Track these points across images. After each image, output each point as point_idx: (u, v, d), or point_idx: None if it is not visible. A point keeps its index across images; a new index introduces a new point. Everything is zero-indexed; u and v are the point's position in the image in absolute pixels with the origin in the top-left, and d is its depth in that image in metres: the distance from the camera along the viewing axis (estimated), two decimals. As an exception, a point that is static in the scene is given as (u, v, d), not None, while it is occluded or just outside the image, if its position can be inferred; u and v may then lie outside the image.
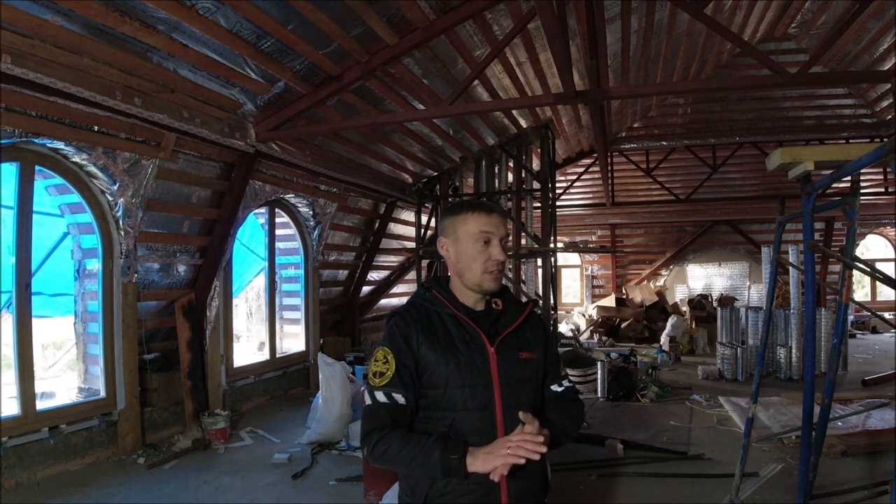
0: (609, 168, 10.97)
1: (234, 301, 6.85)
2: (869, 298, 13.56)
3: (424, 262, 9.60)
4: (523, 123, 8.31)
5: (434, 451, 1.39)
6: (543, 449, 1.34)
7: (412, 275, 10.45)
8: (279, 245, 7.36)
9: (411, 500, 1.54)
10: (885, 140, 2.20)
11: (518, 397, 1.51)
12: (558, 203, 10.91)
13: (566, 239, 13.84)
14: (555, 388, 1.63)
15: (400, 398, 1.48)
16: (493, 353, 1.51)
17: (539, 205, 9.07)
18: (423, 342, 1.51)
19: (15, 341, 4.12)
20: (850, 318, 11.78)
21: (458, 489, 1.46)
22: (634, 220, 13.43)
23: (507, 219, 1.61)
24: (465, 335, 1.52)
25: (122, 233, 4.69)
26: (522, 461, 1.33)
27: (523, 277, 9.38)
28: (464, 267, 1.55)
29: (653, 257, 14.04)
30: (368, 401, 1.51)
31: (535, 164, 9.56)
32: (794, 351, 7.42)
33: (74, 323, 4.89)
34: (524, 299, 1.66)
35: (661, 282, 13.85)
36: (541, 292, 9.07)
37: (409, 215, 9.82)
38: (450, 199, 9.30)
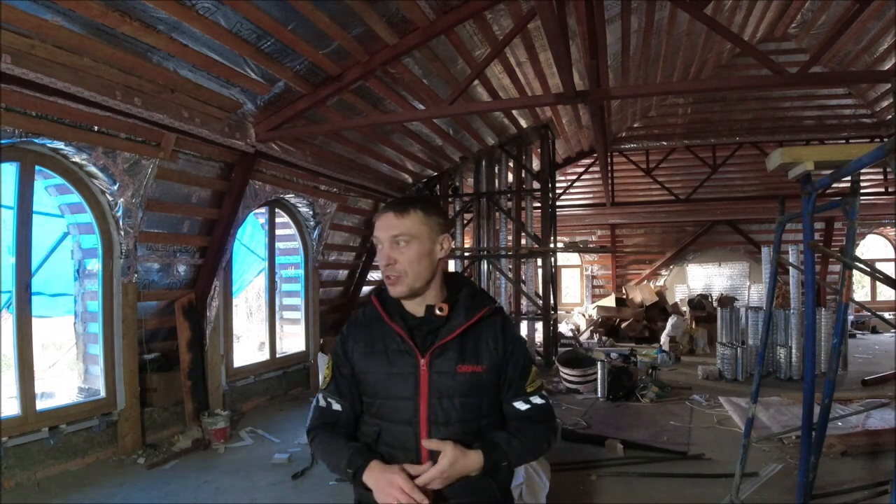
0: (609, 168, 10.98)
1: (234, 301, 6.85)
2: (869, 298, 13.55)
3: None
4: (523, 123, 8.31)
5: (342, 459, 1.42)
6: (405, 501, 1.28)
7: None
8: (279, 245, 7.36)
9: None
10: (885, 140, 2.20)
11: (449, 414, 1.41)
12: (558, 203, 10.91)
13: (566, 239, 13.85)
14: (518, 405, 1.48)
15: (335, 404, 1.52)
16: (425, 365, 1.42)
17: (539, 205, 9.07)
18: (357, 349, 1.49)
19: (15, 341, 4.12)
20: (850, 318, 11.78)
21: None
22: (634, 220, 13.44)
23: (413, 214, 1.45)
24: (400, 345, 1.45)
25: (122, 233, 4.69)
26: None
27: (523, 277, 9.38)
28: None
29: (653, 257, 14.04)
30: (314, 401, 1.59)
31: (535, 164, 9.56)
32: (794, 351, 7.41)
33: (74, 323, 4.89)
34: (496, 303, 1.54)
35: (661, 282, 13.86)
36: (541, 292, 9.07)
37: (408, 215, 9.80)
38: (450, 199, 9.31)
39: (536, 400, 1.50)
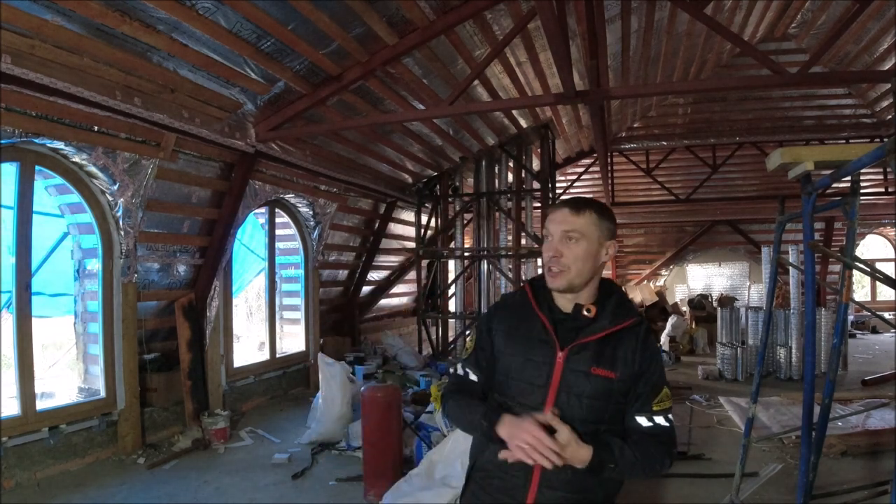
0: (609, 168, 10.97)
1: (234, 301, 6.85)
2: (869, 298, 13.56)
3: (424, 263, 9.61)
4: (523, 123, 8.31)
5: (477, 413, 1.47)
6: (555, 461, 1.30)
7: (412, 275, 10.45)
8: (279, 245, 7.36)
9: (469, 465, 1.64)
10: (885, 140, 2.20)
11: (573, 411, 1.43)
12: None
13: (566, 239, 13.83)
14: (641, 420, 1.47)
15: (472, 375, 1.61)
16: (561, 359, 1.46)
17: (539, 205, 9.07)
18: (500, 330, 1.57)
19: (15, 341, 4.12)
20: (850, 318, 11.78)
21: (494, 470, 1.50)
22: (634, 220, 13.43)
23: (587, 215, 1.50)
24: (543, 335, 1.50)
25: (122, 233, 4.69)
26: (530, 461, 1.32)
27: (523, 277, 9.38)
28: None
29: (653, 257, 14.03)
30: (452, 369, 1.72)
31: (535, 164, 9.56)
32: (794, 351, 7.41)
33: (74, 323, 4.89)
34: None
35: (661, 282, 13.86)
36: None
37: (409, 215, 9.81)
38: (450, 199, 9.31)
39: (660, 420, 1.48)
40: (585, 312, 1.50)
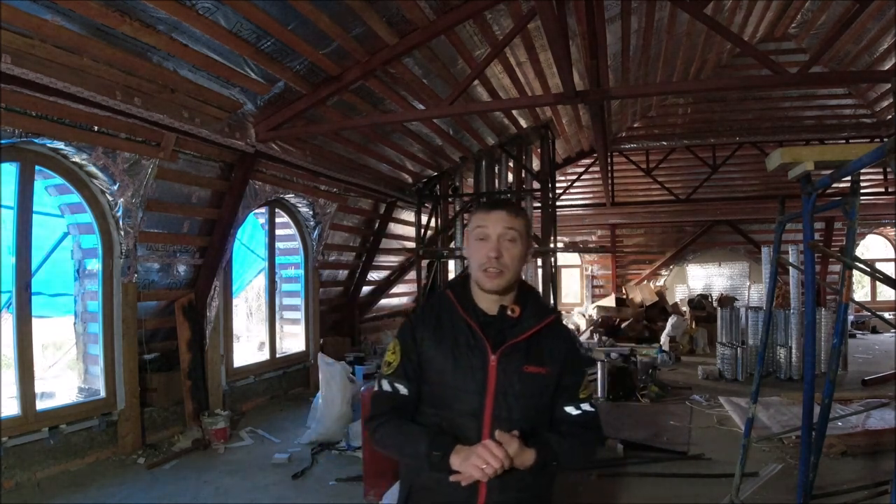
0: (609, 168, 10.97)
1: (234, 301, 6.85)
2: (869, 298, 13.55)
3: (424, 263, 9.60)
4: (523, 123, 8.31)
5: (421, 444, 1.42)
6: (496, 465, 1.32)
7: (412, 275, 10.45)
8: (279, 245, 7.36)
9: (401, 497, 1.58)
10: (885, 140, 2.20)
11: (512, 411, 1.46)
12: (558, 203, 10.90)
13: (566, 239, 13.84)
14: (569, 409, 1.54)
15: (402, 388, 1.53)
16: (494, 362, 1.47)
17: (539, 205, 9.07)
18: (427, 337, 1.53)
19: (15, 341, 4.12)
20: (850, 318, 11.78)
21: (437, 487, 1.46)
22: (634, 220, 13.43)
23: (517, 214, 1.54)
24: (471, 339, 1.49)
25: (122, 233, 4.69)
26: (484, 478, 1.34)
27: (523, 277, 9.36)
28: (470, 265, 1.55)
29: (653, 257, 14.03)
30: (376, 387, 1.58)
31: (535, 164, 9.56)
32: (794, 351, 7.41)
33: (74, 323, 4.89)
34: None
35: (661, 282, 13.85)
36: (541, 292, 9.07)
37: (409, 215, 9.81)
38: (450, 199, 9.31)
39: (587, 407, 1.55)
40: (510, 313, 1.52)
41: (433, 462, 1.40)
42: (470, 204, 9.32)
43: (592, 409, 1.56)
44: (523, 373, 1.47)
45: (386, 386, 1.55)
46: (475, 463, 1.33)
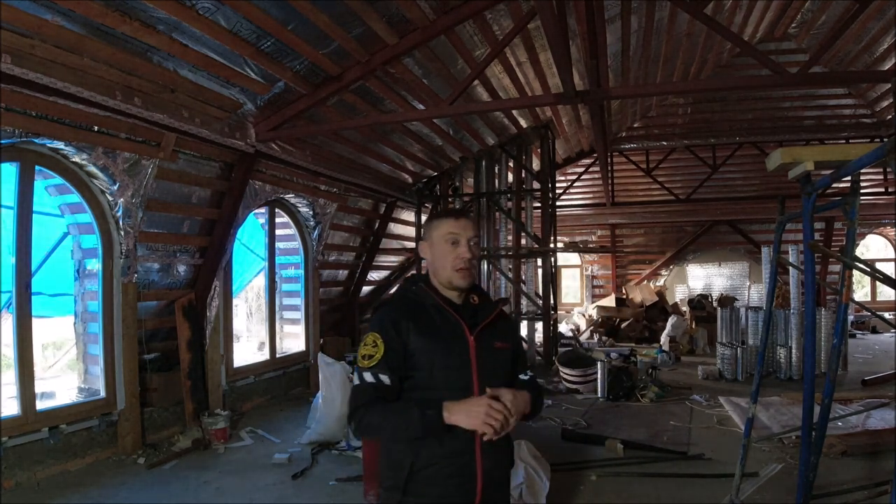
0: (609, 168, 10.98)
1: (234, 301, 6.85)
2: (869, 298, 13.56)
3: (424, 262, 9.60)
4: (523, 123, 8.32)
5: (412, 412, 1.55)
6: (499, 417, 1.50)
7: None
8: (279, 245, 7.36)
9: (394, 482, 1.64)
10: (885, 140, 2.20)
11: (491, 381, 1.64)
12: (558, 203, 10.91)
13: (566, 239, 13.84)
14: (523, 376, 1.83)
15: (385, 379, 1.63)
16: (473, 341, 1.68)
17: (539, 205, 9.07)
18: (412, 328, 1.66)
19: (15, 341, 4.12)
20: (850, 318, 11.78)
21: (439, 462, 1.61)
22: (634, 220, 13.43)
23: (475, 224, 1.84)
24: (448, 324, 1.69)
25: (122, 233, 4.69)
26: (492, 432, 1.50)
27: (523, 277, 9.38)
28: (438, 266, 1.74)
29: (653, 257, 14.04)
30: (357, 381, 1.66)
31: (535, 164, 9.56)
32: (794, 351, 7.41)
33: (74, 323, 4.89)
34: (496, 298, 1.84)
35: (661, 282, 13.85)
36: (541, 292, 9.07)
37: (409, 215, 9.81)
38: (450, 199, 9.31)
39: (530, 373, 1.87)
40: (472, 301, 1.78)
41: (428, 422, 1.52)
42: (470, 204, 9.33)
43: (533, 374, 1.89)
44: (495, 348, 1.73)
45: (369, 377, 1.62)
46: (480, 413, 1.50)
